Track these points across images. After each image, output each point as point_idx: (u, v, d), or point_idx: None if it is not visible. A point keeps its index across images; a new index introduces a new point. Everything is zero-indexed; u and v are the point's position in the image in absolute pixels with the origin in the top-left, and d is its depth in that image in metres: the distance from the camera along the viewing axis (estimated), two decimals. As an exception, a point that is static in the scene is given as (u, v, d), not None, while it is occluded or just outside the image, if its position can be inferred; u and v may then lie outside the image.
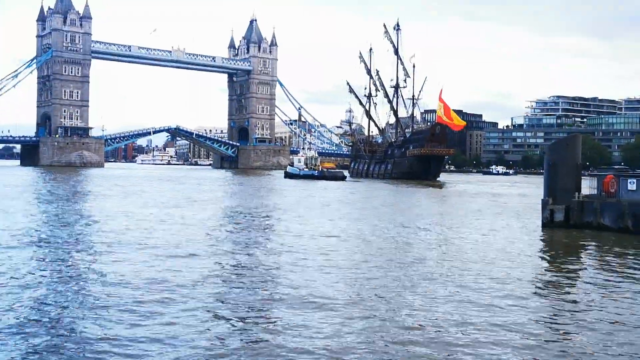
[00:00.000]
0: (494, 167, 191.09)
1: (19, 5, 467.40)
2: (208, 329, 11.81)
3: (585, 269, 19.61)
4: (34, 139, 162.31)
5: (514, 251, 22.39)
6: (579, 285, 17.03)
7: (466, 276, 17.32)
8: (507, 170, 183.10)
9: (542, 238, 26.94)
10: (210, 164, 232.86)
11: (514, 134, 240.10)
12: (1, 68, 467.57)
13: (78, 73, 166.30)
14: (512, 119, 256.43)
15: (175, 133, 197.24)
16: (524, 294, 15.38)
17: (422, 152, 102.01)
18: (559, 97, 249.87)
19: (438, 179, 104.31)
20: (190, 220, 30.88)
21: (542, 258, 21.86)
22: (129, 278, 16.11)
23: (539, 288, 16.33)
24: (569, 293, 15.86)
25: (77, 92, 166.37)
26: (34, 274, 16.69)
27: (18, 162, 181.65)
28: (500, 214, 38.38)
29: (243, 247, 22.67)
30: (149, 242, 22.87)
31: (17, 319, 12.12)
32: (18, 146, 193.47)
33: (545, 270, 19.33)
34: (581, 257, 22.11)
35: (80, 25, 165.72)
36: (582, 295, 15.52)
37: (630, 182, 27.90)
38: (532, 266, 19.63)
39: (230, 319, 12.55)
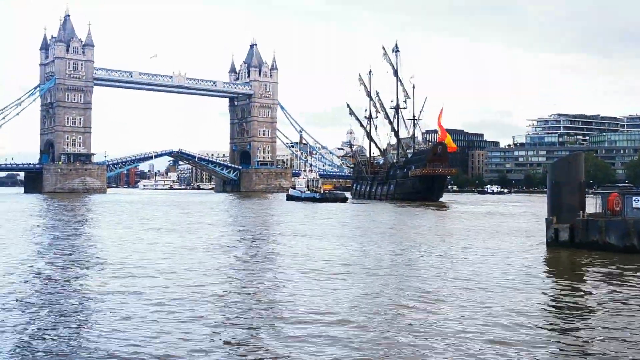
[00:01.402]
0: (488, 186, 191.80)
1: (22, 34, 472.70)
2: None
3: (592, 289, 19.37)
4: (37, 166, 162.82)
5: (520, 272, 22.16)
6: (587, 305, 16.79)
7: (471, 298, 17.11)
8: (502, 189, 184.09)
9: (547, 258, 26.70)
10: (212, 188, 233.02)
11: (515, 153, 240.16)
12: (5, 96, 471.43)
13: (80, 100, 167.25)
14: (513, 137, 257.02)
15: (178, 156, 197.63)
16: (530, 315, 15.17)
17: (424, 172, 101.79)
18: (560, 115, 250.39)
19: (441, 199, 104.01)
20: (195, 245, 30.75)
21: (549, 278, 21.62)
22: (131, 299, 15.97)
23: (546, 309, 16.11)
24: (576, 313, 15.63)
25: (80, 119, 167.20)
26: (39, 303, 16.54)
27: (22, 189, 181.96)
28: (505, 234, 38.13)
29: (247, 273, 22.49)
30: (155, 266, 22.71)
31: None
32: (22, 173, 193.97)
33: (552, 290, 19.10)
34: (588, 277, 21.86)
35: (83, 52, 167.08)
36: (590, 316, 15.30)
37: (635, 200, 27.72)
38: (538, 287, 19.40)
39: (231, 338, 12.38)
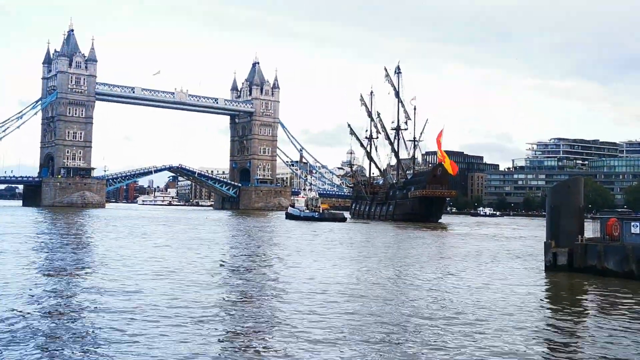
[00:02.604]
0: (481, 209, 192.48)
1: (24, 48, 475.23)
2: None
3: (590, 314, 19.26)
4: (37, 179, 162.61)
5: (518, 297, 22.02)
6: (584, 331, 16.67)
7: (469, 324, 17.00)
8: (494, 212, 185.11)
9: (545, 282, 26.57)
10: (211, 205, 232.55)
11: (515, 176, 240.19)
12: (6, 109, 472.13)
13: (82, 114, 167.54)
14: (513, 161, 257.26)
15: (178, 172, 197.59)
16: (529, 341, 15.05)
17: (424, 193, 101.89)
18: (559, 139, 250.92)
19: (440, 220, 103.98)
20: (192, 265, 30.64)
21: (548, 304, 21.49)
22: (132, 315, 15.89)
23: (544, 335, 15.99)
24: (573, 339, 15.51)
25: (81, 133, 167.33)
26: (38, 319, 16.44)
27: (20, 202, 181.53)
28: (503, 257, 38.00)
29: (243, 297, 22.38)
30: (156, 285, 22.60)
31: None
32: (21, 186, 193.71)
33: (551, 316, 18.97)
34: (585, 303, 21.75)
35: (86, 67, 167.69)
36: (586, 342, 15.18)
37: (633, 226, 27.66)
38: (536, 312, 19.27)
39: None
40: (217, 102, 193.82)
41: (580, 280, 26.16)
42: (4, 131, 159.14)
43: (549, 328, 16.89)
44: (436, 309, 19.00)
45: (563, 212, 29.81)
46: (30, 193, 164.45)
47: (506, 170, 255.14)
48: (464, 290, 23.19)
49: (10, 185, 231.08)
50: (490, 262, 34.56)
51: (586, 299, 22.42)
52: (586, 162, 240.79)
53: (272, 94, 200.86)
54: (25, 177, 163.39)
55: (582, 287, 24.80)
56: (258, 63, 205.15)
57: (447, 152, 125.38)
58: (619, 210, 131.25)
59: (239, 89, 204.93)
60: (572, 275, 27.50)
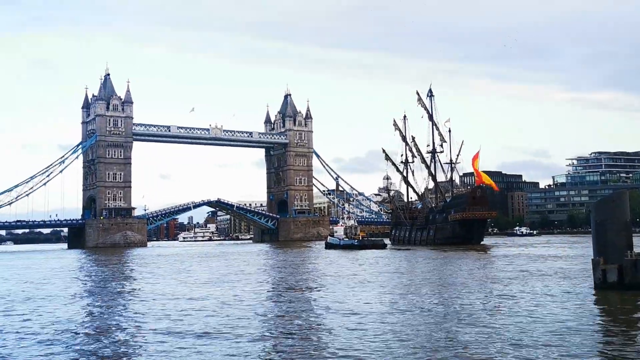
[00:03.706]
0: (517, 228, 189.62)
1: (64, 95, 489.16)
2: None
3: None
4: (80, 221, 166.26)
5: (571, 318, 21.37)
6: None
7: (523, 348, 16.55)
8: (531, 231, 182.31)
9: (596, 301, 25.76)
10: (251, 238, 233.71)
11: (556, 193, 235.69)
12: (49, 155, 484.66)
13: (121, 155, 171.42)
14: (553, 177, 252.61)
15: (217, 206, 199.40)
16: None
17: (464, 216, 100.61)
18: (600, 153, 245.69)
19: (482, 242, 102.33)
20: (241, 297, 30.71)
21: (602, 324, 20.77)
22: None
23: (601, 356, 15.43)
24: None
25: (120, 174, 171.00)
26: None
27: (66, 245, 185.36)
28: (550, 277, 37.07)
29: (293, 331, 22.28)
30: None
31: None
32: (65, 229, 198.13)
33: (607, 337, 18.34)
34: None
35: (122, 109, 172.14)
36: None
37: (685, 238, 26.74)
38: (592, 333, 18.64)
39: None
40: (251, 136, 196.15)
41: (633, 297, 25.29)
42: (47, 176, 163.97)
43: (606, 349, 16.29)
44: (487, 332, 18.56)
45: (609, 227, 29.01)
46: (75, 235, 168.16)
47: (547, 187, 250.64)
48: (514, 314, 22.61)
49: (55, 229, 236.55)
50: (538, 283, 33.75)
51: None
52: (630, 175, 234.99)
53: (305, 124, 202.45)
54: (69, 220, 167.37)
55: (635, 304, 23.94)
56: (290, 95, 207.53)
57: (484, 172, 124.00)
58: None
59: (273, 122, 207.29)
60: (623, 292, 26.60)
